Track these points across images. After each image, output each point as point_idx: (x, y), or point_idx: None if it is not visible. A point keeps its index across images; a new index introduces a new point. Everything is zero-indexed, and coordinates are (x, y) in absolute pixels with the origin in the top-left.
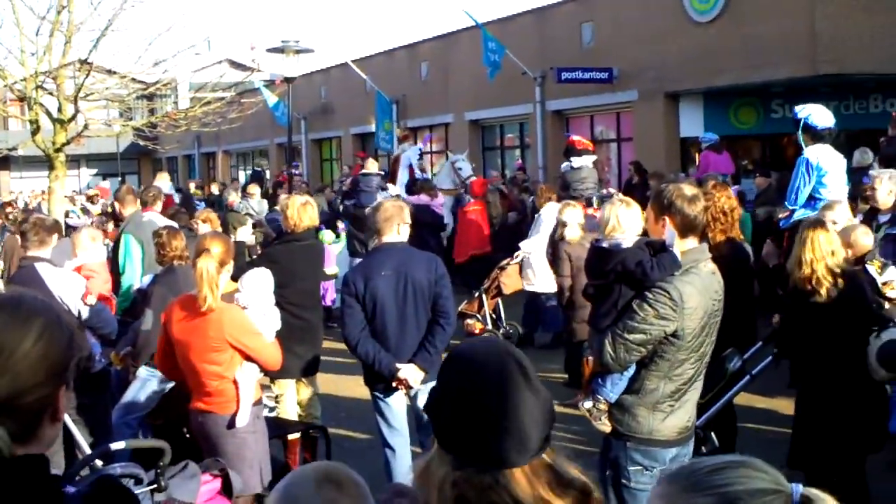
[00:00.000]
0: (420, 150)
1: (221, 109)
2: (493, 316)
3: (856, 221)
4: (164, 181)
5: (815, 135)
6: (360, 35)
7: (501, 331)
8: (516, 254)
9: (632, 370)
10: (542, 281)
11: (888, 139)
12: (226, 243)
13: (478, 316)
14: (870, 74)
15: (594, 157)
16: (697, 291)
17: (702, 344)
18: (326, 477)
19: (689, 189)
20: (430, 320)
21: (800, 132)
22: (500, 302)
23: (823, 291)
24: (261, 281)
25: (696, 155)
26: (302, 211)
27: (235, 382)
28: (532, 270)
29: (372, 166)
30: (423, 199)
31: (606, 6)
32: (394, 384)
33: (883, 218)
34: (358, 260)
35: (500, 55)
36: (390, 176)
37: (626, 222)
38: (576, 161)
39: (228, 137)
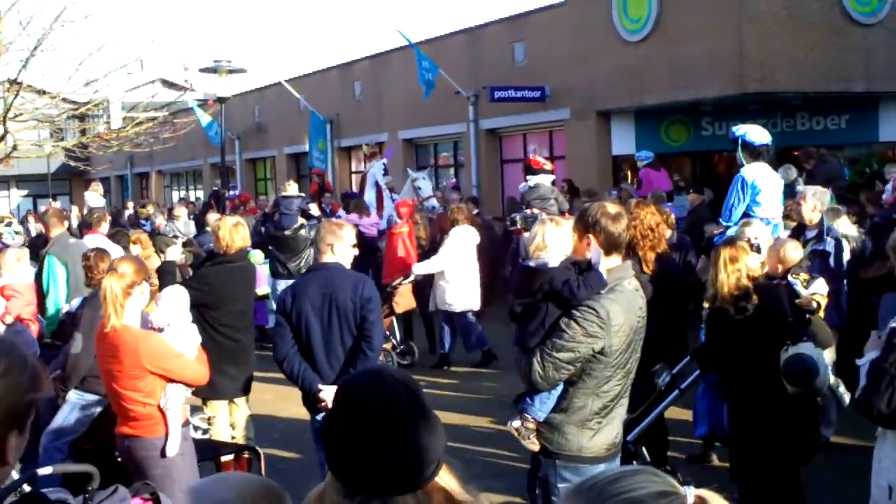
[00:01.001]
0: (384, 164)
1: (154, 129)
2: (387, 333)
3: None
4: (94, 195)
5: (753, 151)
6: (293, 55)
7: (400, 349)
8: (409, 274)
9: (559, 388)
10: (461, 299)
11: (810, 173)
12: (136, 264)
13: None
14: (796, 93)
15: (552, 177)
16: (623, 309)
17: (627, 360)
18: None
19: (612, 207)
20: (354, 344)
21: (739, 150)
22: (395, 320)
23: (737, 307)
24: (176, 299)
25: (629, 173)
26: (234, 232)
27: (161, 408)
28: (448, 290)
29: (292, 188)
30: (352, 217)
31: (538, 25)
32: (318, 406)
33: (810, 233)
34: (280, 282)
35: (433, 74)
36: (359, 194)
37: (553, 241)
38: (532, 179)
39: (162, 157)
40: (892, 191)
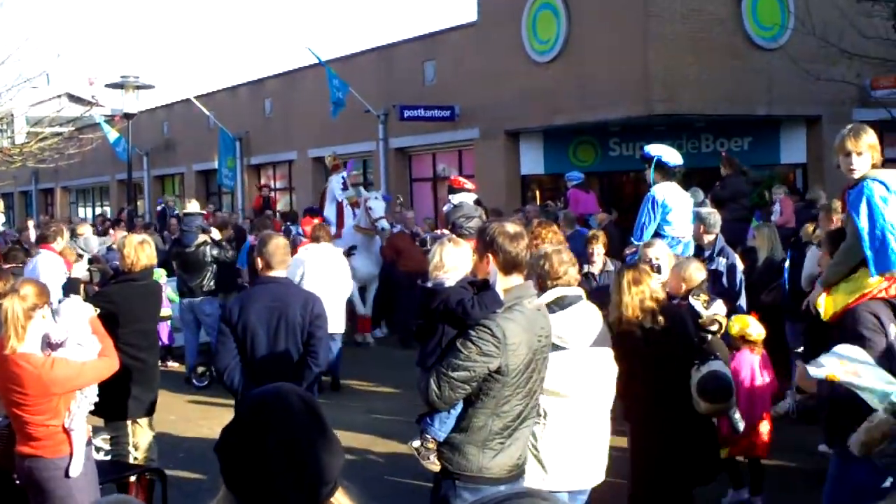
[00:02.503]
0: (343, 178)
1: (59, 145)
2: None
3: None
4: None
5: (667, 172)
6: (203, 71)
7: None
8: None
9: (459, 408)
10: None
11: (721, 183)
12: (38, 286)
13: None
14: (701, 115)
15: (474, 196)
16: (521, 328)
17: (528, 380)
18: None
19: (511, 226)
20: (300, 359)
21: (652, 170)
22: None
23: (643, 328)
24: (74, 311)
25: (537, 193)
26: (139, 250)
27: (65, 428)
28: None
29: (192, 206)
30: (252, 240)
31: (448, 45)
32: None
33: (707, 254)
34: (184, 300)
35: (344, 93)
36: (318, 208)
37: (451, 261)
38: (455, 198)
39: (68, 173)
40: (781, 212)
